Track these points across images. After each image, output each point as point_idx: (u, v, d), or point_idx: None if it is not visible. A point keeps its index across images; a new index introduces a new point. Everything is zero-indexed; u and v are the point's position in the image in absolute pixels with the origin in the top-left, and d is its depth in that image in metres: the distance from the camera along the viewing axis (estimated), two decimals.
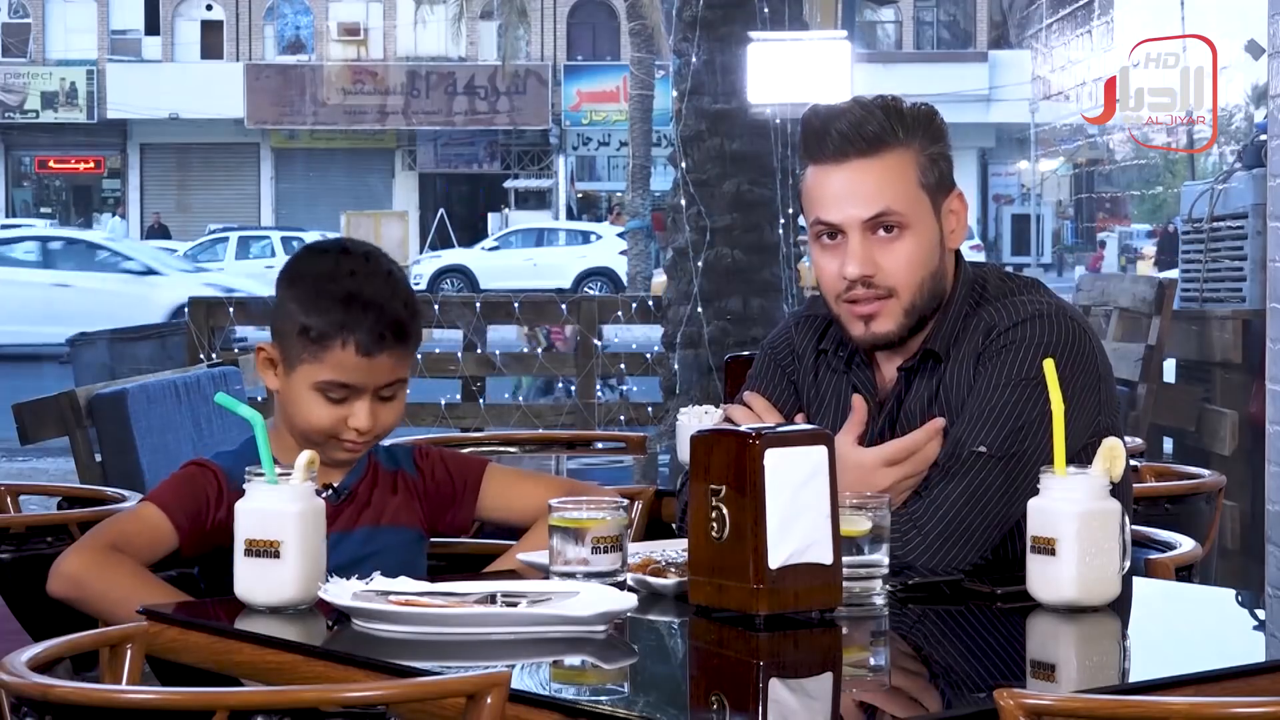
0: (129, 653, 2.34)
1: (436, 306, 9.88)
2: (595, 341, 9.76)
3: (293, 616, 2.45)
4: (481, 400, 9.93)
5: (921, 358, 2.79)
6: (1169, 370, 7.89)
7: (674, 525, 3.12)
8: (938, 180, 2.77)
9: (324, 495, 2.72)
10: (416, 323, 2.85)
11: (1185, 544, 3.21)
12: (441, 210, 37.91)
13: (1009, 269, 3.24)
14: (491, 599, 2.39)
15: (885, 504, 2.51)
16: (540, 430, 7.81)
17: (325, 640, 2.39)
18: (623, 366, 10.01)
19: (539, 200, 40.94)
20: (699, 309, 9.48)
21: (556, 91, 40.71)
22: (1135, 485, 3.40)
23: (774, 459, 2.33)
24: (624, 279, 28.38)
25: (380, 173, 42.28)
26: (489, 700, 2.00)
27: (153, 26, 41.98)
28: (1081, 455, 2.57)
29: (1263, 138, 6.22)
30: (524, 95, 40.22)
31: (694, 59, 9.63)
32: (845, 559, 2.40)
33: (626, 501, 2.60)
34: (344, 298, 2.78)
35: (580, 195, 41.10)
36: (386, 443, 2.98)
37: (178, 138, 41.33)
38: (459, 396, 9.93)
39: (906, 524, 2.65)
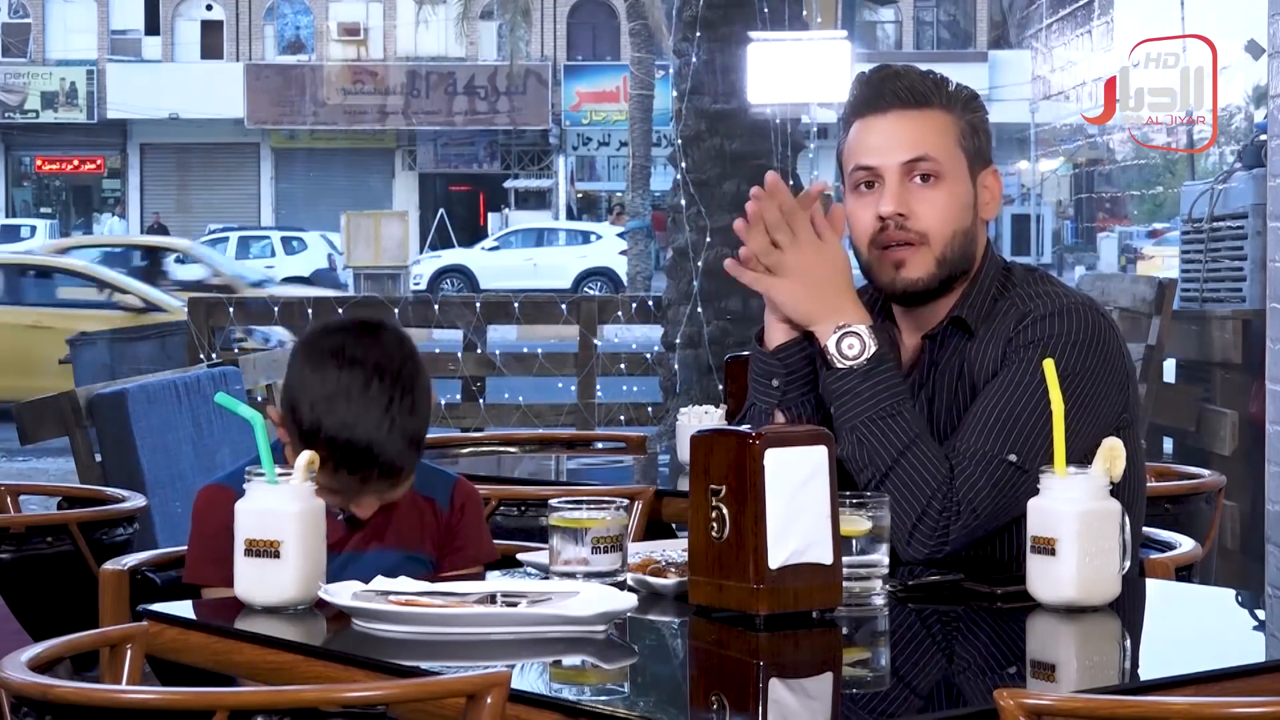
0: (129, 653, 2.34)
1: (436, 306, 9.89)
2: (595, 341, 9.77)
3: (293, 616, 2.45)
4: (481, 400, 9.93)
5: (949, 325, 2.78)
6: (1169, 370, 7.88)
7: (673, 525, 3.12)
8: (976, 149, 2.82)
9: (337, 518, 2.72)
10: (411, 456, 2.77)
11: (1185, 544, 3.22)
12: (441, 210, 37.91)
13: None
14: (491, 599, 2.39)
15: (885, 504, 2.51)
16: (540, 430, 7.80)
17: (325, 640, 2.39)
18: (622, 366, 10.01)
19: (539, 200, 40.94)
20: (699, 309, 9.48)
21: (556, 91, 40.70)
22: None
23: (774, 459, 2.33)
24: (624, 279, 28.39)
25: (380, 173, 42.27)
26: (489, 700, 2.00)
27: (153, 26, 41.97)
28: None
29: (1263, 138, 6.22)
30: (524, 95, 40.21)
31: (694, 59, 9.63)
32: (845, 559, 2.40)
33: (626, 502, 2.60)
34: (337, 426, 2.73)
35: (580, 195, 41.10)
36: (433, 462, 2.96)
37: (178, 138, 41.32)
38: (459, 396, 9.93)
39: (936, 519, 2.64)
